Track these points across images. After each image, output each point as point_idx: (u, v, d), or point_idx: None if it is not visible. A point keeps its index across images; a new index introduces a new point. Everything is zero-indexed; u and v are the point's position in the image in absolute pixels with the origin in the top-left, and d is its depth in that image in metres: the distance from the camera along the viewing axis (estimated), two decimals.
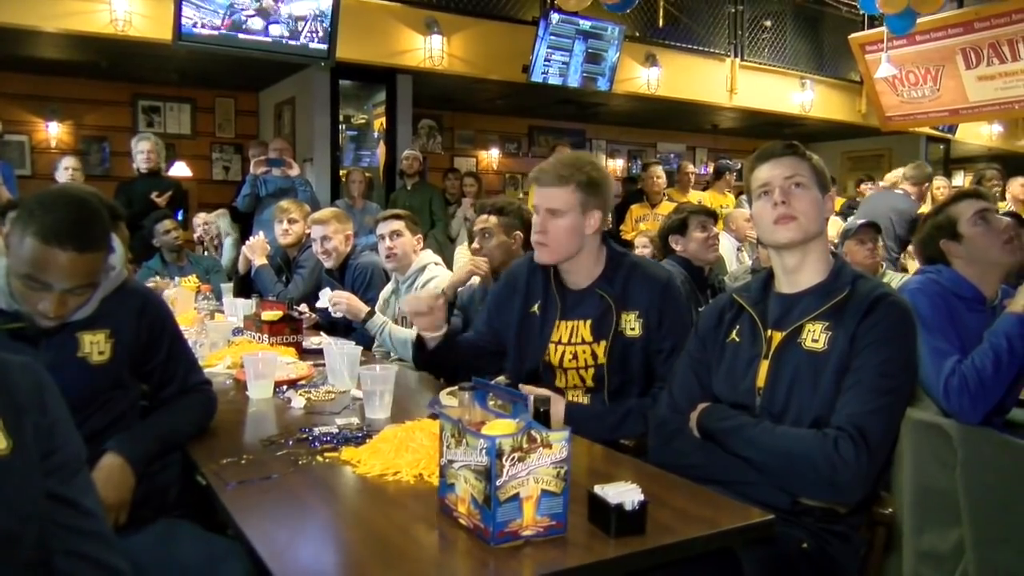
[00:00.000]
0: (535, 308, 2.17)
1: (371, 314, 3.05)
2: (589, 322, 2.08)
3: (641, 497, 1.25)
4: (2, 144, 6.88)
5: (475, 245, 2.94)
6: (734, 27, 8.55)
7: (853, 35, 7.46)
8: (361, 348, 2.40)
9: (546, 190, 2.07)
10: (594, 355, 2.07)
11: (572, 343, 2.09)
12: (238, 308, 3.39)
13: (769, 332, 1.68)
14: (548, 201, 2.06)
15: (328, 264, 3.61)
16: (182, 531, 1.53)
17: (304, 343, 2.84)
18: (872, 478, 1.49)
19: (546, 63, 7.08)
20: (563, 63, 7.18)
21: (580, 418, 1.97)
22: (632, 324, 2.06)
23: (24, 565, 0.98)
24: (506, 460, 1.18)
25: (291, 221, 4.02)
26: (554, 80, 7.18)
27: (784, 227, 1.65)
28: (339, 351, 2.28)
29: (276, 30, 5.81)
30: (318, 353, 2.71)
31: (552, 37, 7.03)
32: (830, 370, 1.56)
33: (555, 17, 6.98)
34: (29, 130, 7.42)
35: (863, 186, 8.03)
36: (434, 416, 1.85)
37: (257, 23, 5.76)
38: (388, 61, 6.69)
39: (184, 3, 5.43)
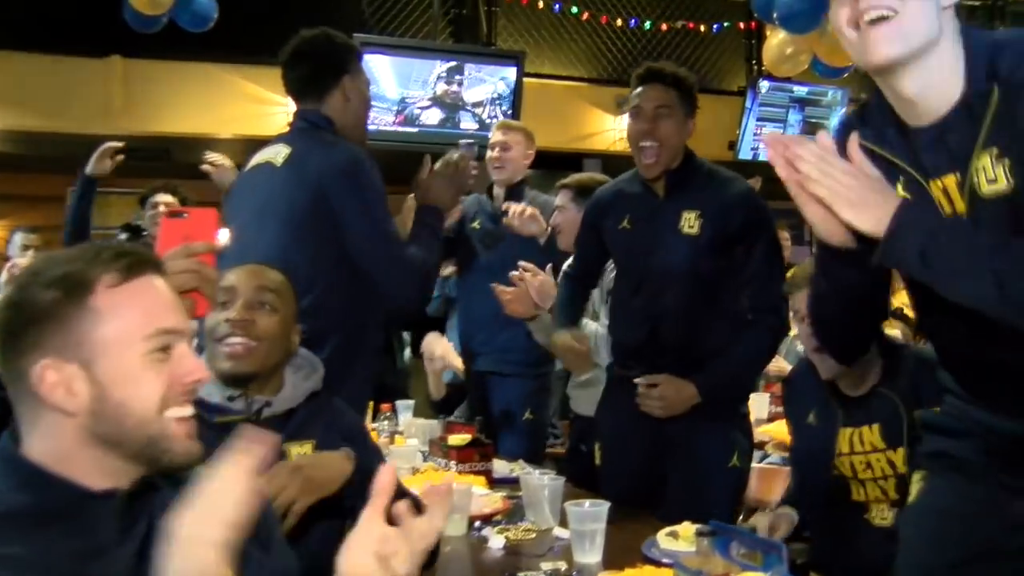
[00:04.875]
0: (811, 418, 2.27)
1: None
2: (877, 427, 2.13)
3: None
4: None
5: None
6: None
7: None
8: (564, 479, 2.43)
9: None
10: (891, 463, 2.11)
11: (863, 452, 2.16)
12: (421, 430, 3.53)
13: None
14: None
15: None
16: None
17: (495, 472, 2.91)
18: None
19: (755, 137, 7.09)
20: None
21: None
22: None
23: None
24: None
25: None
26: (765, 156, 7.14)
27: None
28: (539, 483, 2.32)
29: (454, 119, 6.22)
30: (511, 483, 2.77)
31: (762, 108, 7.06)
32: None
33: (764, 85, 7.02)
34: None
35: None
36: (655, 563, 1.84)
37: (433, 115, 6.20)
38: (574, 146, 6.95)
39: None
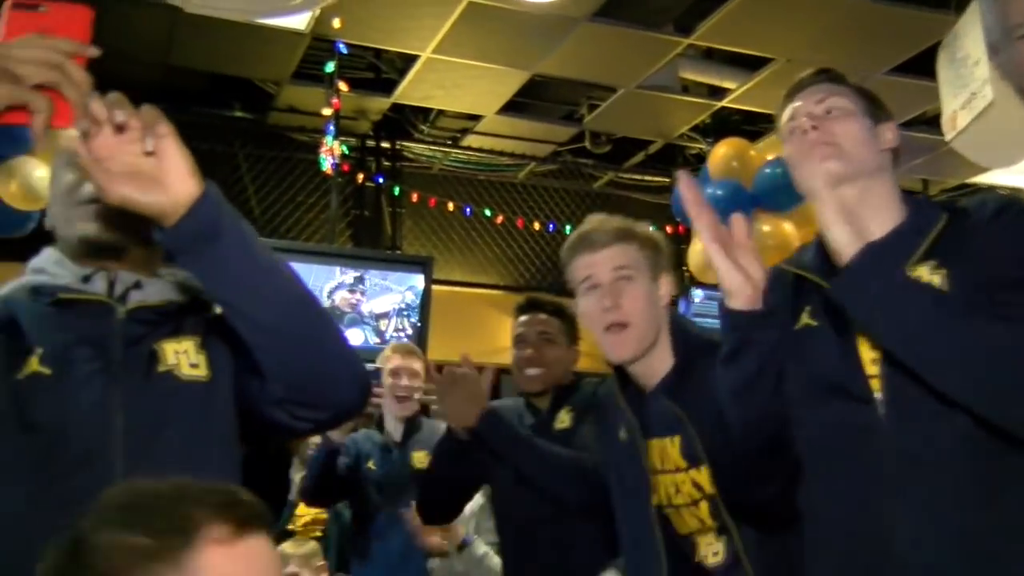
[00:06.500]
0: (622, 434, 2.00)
1: None
2: (678, 439, 1.88)
3: None
4: None
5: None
6: None
7: None
8: None
9: (602, 252, 1.92)
10: (696, 485, 1.84)
11: (666, 470, 1.89)
12: None
13: None
14: (612, 260, 1.91)
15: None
16: None
17: None
18: None
19: None
20: None
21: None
22: None
23: None
24: None
25: None
26: None
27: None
28: None
29: (356, 335, 5.94)
30: None
31: (696, 319, 7.04)
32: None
33: (698, 294, 7.03)
34: None
35: None
36: None
37: None
38: (487, 359, 6.73)
39: None
